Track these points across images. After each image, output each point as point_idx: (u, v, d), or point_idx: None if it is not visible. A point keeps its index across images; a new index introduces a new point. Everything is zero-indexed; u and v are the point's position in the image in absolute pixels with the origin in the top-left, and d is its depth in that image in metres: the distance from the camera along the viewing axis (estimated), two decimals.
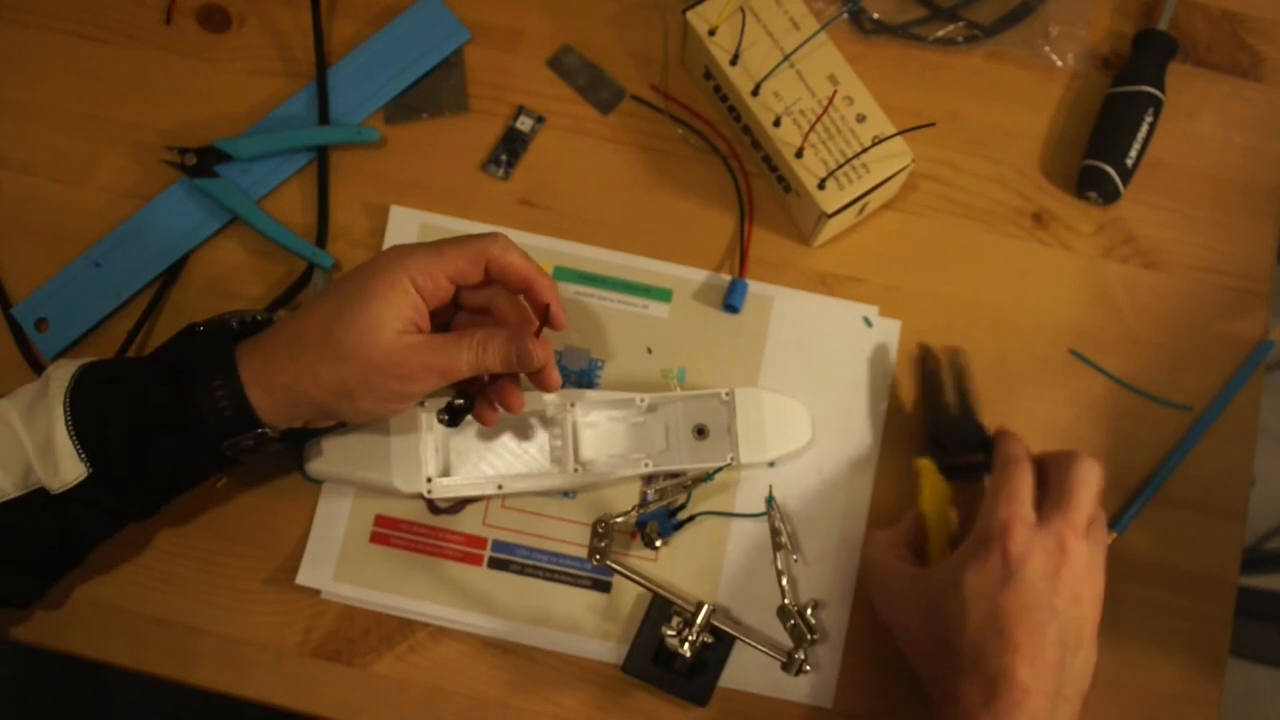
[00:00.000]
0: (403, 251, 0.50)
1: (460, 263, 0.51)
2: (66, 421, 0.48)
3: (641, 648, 0.57)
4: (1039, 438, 0.61)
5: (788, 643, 0.55)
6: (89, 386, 0.50)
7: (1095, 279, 0.64)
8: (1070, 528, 0.51)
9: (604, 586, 0.59)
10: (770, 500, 0.58)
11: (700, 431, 0.59)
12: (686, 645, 0.54)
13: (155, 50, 0.66)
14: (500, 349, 0.51)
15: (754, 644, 0.56)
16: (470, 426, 0.59)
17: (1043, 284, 0.64)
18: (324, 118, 0.64)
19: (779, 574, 0.55)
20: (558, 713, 0.58)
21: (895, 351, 0.62)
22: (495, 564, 0.59)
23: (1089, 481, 0.52)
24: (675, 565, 0.59)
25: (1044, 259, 0.64)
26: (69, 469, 0.48)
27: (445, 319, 0.55)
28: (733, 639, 0.57)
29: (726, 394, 0.59)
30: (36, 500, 0.49)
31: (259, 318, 0.54)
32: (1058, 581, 0.49)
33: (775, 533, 0.56)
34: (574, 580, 0.59)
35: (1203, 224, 0.65)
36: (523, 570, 0.59)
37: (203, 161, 0.62)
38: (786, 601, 0.55)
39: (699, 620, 0.55)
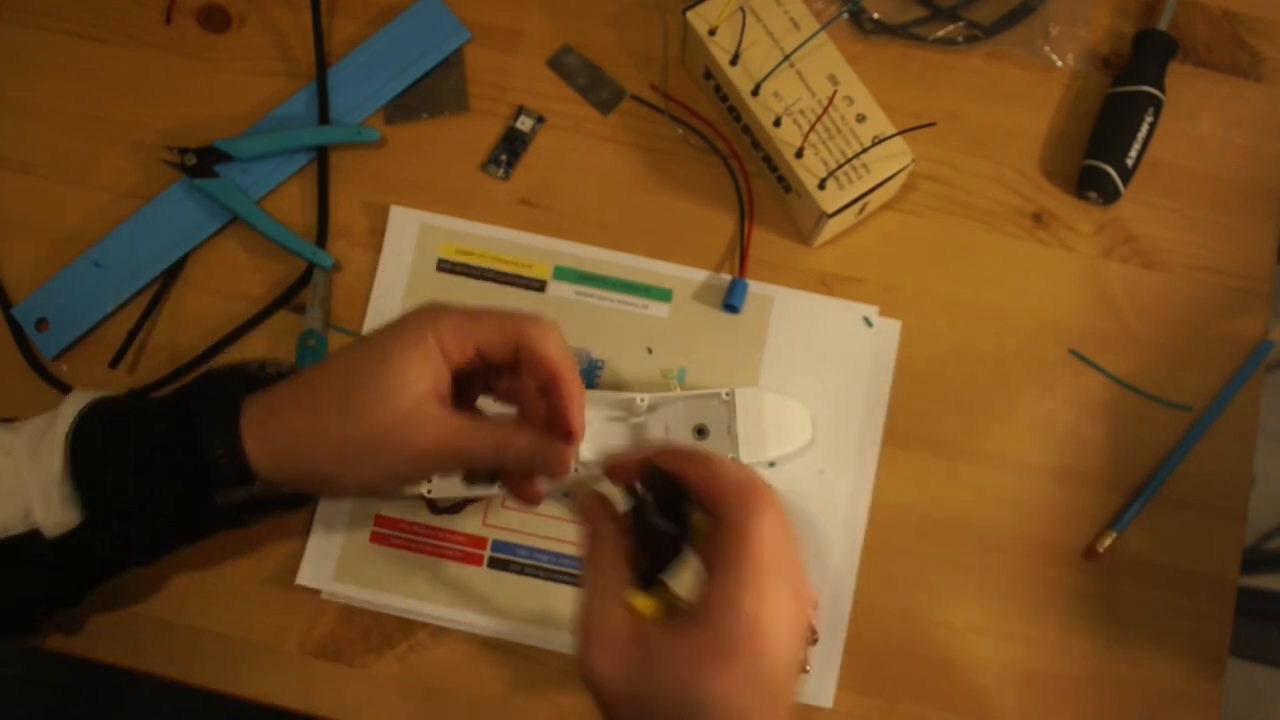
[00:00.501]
0: (434, 310, 0.46)
1: (492, 335, 0.46)
2: (65, 465, 0.46)
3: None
4: (1039, 437, 0.61)
5: None
6: (93, 428, 0.47)
7: (1095, 279, 0.64)
8: (800, 576, 0.40)
9: None
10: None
11: (700, 431, 0.59)
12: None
13: (155, 50, 0.66)
14: (524, 452, 0.46)
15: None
16: None
17: (1043, 284, 0.64)
18: (324, 118, 0.64)
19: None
20: (557, 713, 0.58)
21: (895, 351, 0.62)
22: (495, 564, 0.59)
23: (783, 524, 0.41)
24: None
25: (1044, 259, 0.64)
26: (64, 515, 0.46)
27: (469, 398, 0.50)
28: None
29: (726, 394, 0.59)
30: (38, 539, 0.47)
31: (281, 370, 0.51)
32: (796, 645, 0.40)
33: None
34: (574, 580, 0.59)
35: (1203, 224, 0.65)
36: (523, 570, 0.59)
37: (203, 161, 0.62)
38: None
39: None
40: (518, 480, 0.49)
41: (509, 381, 0.49)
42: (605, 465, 0.45)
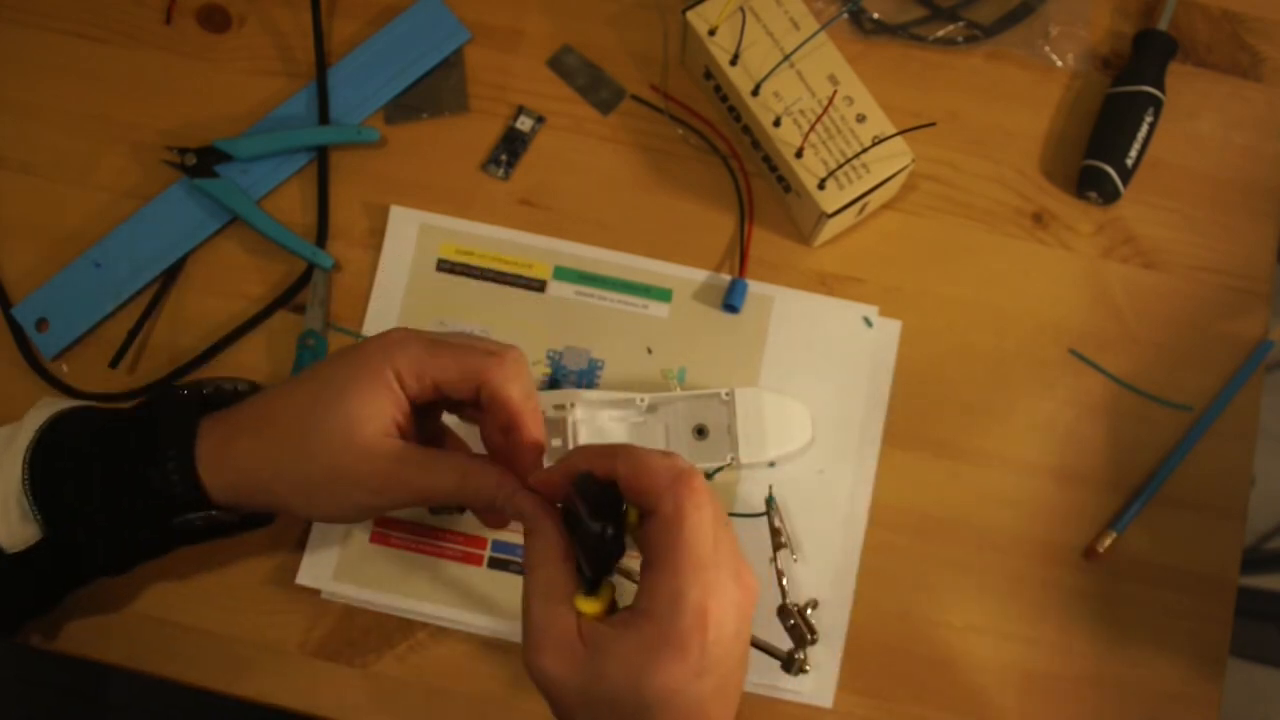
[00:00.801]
0: (393, 341, 0.45)
1: (452, 373, 0.44)
2: (24, 481, 0.46)
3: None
4: (1039, 437, 0.61)
5: (787, 643, 0.55)
6: (55, 442, 0.47)
7: (1095, 279, 0.64)
8: (741, 562, 0.41)
9: None
10: (770, 500, 0.58)
11: (700, 431, 0.59)
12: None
13: (155, 50, 0.66)
14: (484, 489, 0.44)
15: (752, 644, 0.55)
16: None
17: (1043, 284, 0.64)
18: (324, 118, 0.64)
19: (779, 574, 0.55)
20: None
21: (895, 351, 0.62)
22: (495, 564, 0.59)
23: (716, 511, 0.41)
24: None
25: (1044, 259, 0.64)
26: (23, 531, 0.46)
27: (434, 416, 0.50)
28: None
29: (726, 394, 0.59)
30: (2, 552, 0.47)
31: (238, 388, 0.50)
32: (743, 631, 0.40)
33: (775, 532, 0.56)
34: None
35: (1203, 224, 0.65)
36: (523, 570, 0.59)
37: (203, 161, 0.62)
38: (787, 601, 0.55)
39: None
40: (483, 510, 0.48)
41: (472, 410, 0.48)
42: (532, 482, 0.44)
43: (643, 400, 0.59)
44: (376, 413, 0.43)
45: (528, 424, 0.45)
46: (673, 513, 0.39)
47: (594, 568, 0.41)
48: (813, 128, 0.59)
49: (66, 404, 0.50)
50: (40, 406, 0.49)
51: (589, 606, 0.40)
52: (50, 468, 0.47)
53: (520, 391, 0.44)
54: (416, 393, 0.45)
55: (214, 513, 0.47)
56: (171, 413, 0.47)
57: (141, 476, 0.45)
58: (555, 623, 0.40)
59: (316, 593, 0.58)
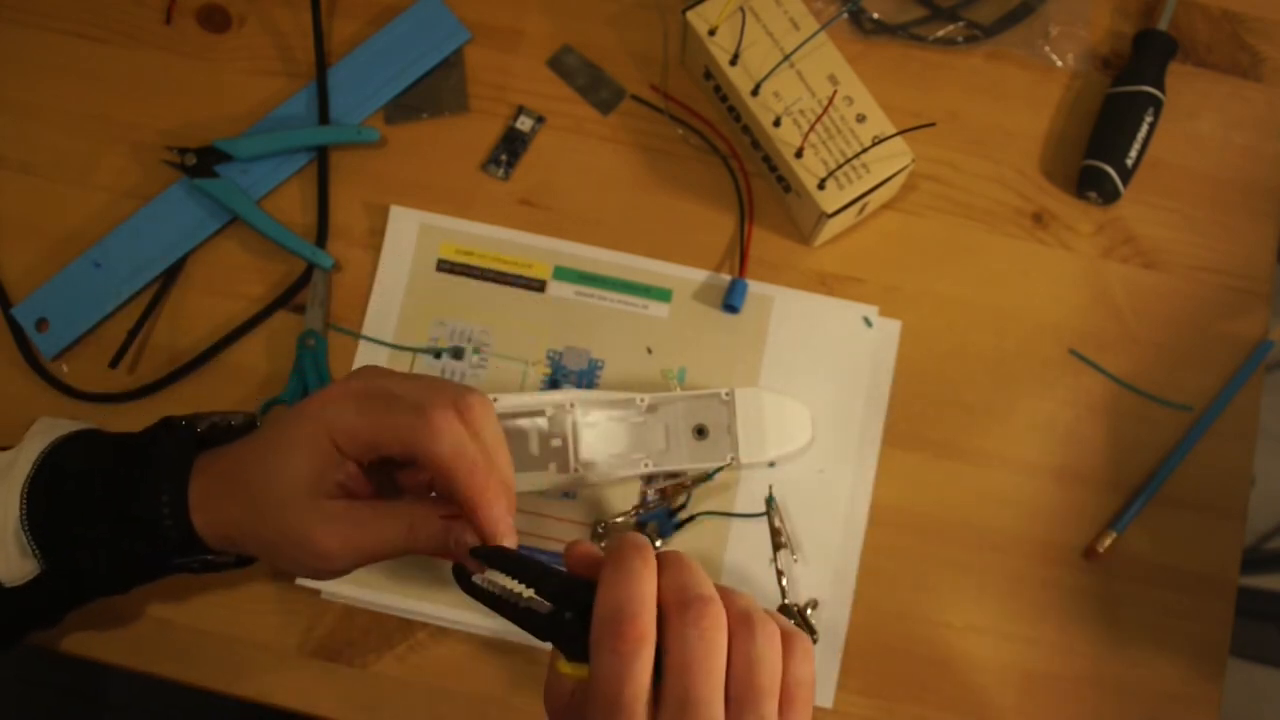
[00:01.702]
0: (327, 400, 0.43)
1: (385, 436, 0.43)
2: (21, 515, 0.46)
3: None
4: (1039, 437, 0.61)
5: None
6: (53, 474, 0.47)
7: (1095, 279, 0.64)
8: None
9: None
10: (770, 500, 0.58)
11: (700, 431, 0.59)
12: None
13: (155, 50, 0.66)
14: (433, 537, 0.43)
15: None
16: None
17: (1043, 284, 0.64)
18: (324, 118, 0.64)
19: (779, 574, 0.55)
20: None
21: (895, 351, 0.62)
22: None
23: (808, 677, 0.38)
24: None
25: (1044, 259, 0.64)
26: (20, 566, 0.46)
27: (413, 476, 0.48)
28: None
29: (726, 394, 0.59)
30: None
31: (233, 422, 0.50)
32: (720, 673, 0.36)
33: (775, 532, 0.56)
34: None
35: (1203, 224, 0.65)
36: None
37: (203, 161, 0.62)
38: (786, 601, 0.55)
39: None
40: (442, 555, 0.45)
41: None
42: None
43: (643, 400, 0.59)
44: (314, 477, 0.43)
45: (466, 479, 0.42)
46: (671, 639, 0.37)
47: (540, 637, 0.40)
48: (813, 128, 0.59)
49: (63, 429, 0.49)
50: (36, 434, 0.49)
51: (568, 670, 0.39)
52: (49, 504, 0.46)
53: (450, 448, 0.42)
54: (357, 454, 0.44)
55: (208, 557, 0.47)
56: (168, 453, 0.46)
57: (138, 520, 0.45)
58: (552, 685, 0.40)
59: (316, 593, 0.58)
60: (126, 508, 0.46)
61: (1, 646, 0.51)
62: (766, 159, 0.62)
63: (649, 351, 0.62)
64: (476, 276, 0.63)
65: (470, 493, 0.42)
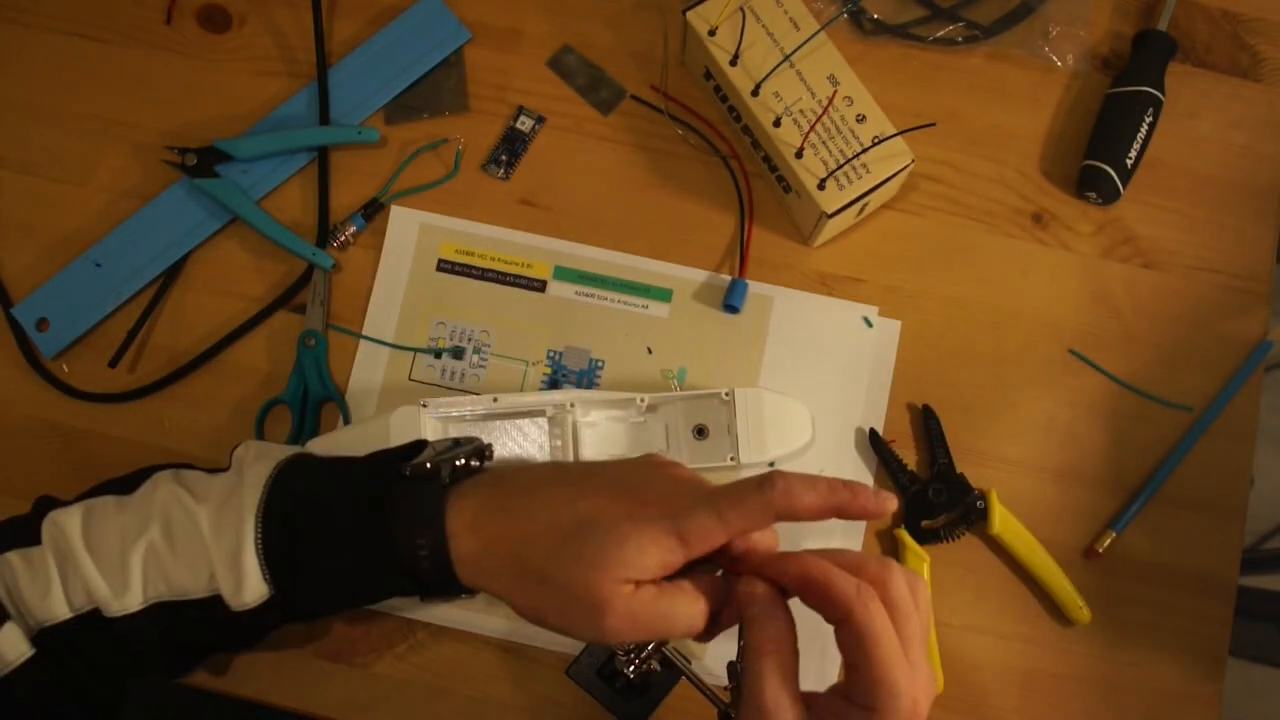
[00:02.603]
0: (681, 506, 0.42)
1: (742, 525, 0.42)
2: (256, 544, 0.46)
3: (590, 655, 0.55)
4: (1039, 437, 0.61)
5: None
6: (283, 505, 0.47)
7: (1095, 279, 0.64)
8: (924, 655, 0.41)
9: None
10: None
11: (700, 431, 0.59)
12: (631, 668, 0.51)
13: (155, 50, 0.66)
14: (734, 618, 0.44)
15: (698, 684, 0.50)
16: (471, 424, 0.59)
17: (1043, 284, 0.64)
18: (324, 118, 0.64)
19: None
20: (558, 713, 0.58)
21: (895, 351, 0.62)
22: None
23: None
24: None
25: (1044, 259, 0.64)
26: (251, 591, 0.46)
27: None
28: (679, 674, 0.52)
29: (726, 394, 0.59)
30: (217, 604, 0.47)
31: (471, 463, 0.49)
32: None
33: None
34: None
35: (1203, 224, 0.65)
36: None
37: (203, 161, 0.62)
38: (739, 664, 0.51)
39: (648, 648, 0.50)
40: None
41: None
42: (763, 569, 0.43)
43: (643, 400, 0.59)
44: (638, 570, 0.42)
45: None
46: (860, 625, 0.39)
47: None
48: (813, 128, 0.59)
49: (281, 453, 0.49)
50: (253, 459, 0.49)
51: None
52: (282, 530, 0.47)
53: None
54: (698, 550, 0.43)
55: (462, 596, 0.47)
56: (417, 496, 0.46)
57: (391, 562, 0.45)
58: (791, 707, 0.40)
59: None
60: (376, 549, 0.46)
61: (194, 664, 0.53)
62: (766, 159, 0.62)
63: (649, 351, 0.62)
64: (476, 276, 0.63)
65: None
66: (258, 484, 0.47)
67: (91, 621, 0.47)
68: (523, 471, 0.47)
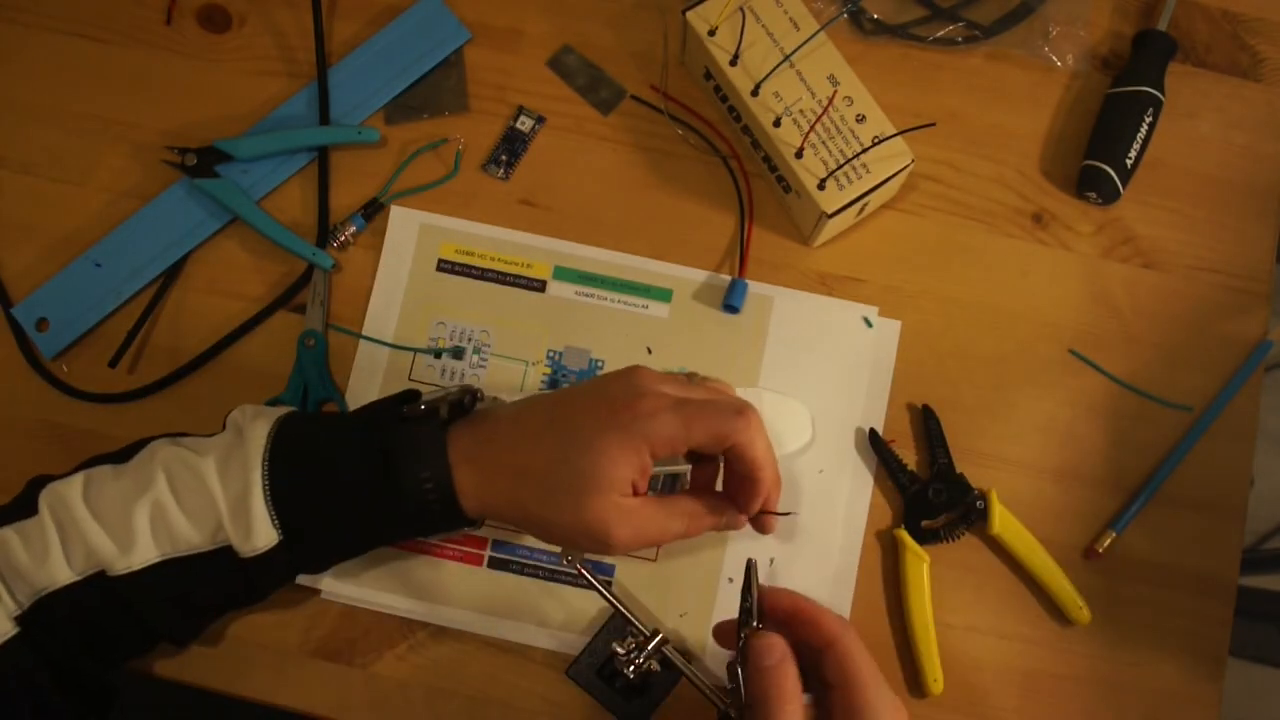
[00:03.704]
0: (646, 413, 0.48)
1: (703, 438, 0.48)
2: (264, 488, 0.47)
3: (591, 655, 0.56)
4: (1039, 437, 0.61)
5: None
6: (288, 452, 0.49)
7: (1095, 279, 0.64)
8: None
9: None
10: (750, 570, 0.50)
11: None
12: (632, 668, 0.52)
13: (155, 50, 0.66)
14: (709, 524, 0.52)
15: (698, 684, 0.51)
16: None
17: (1043, 284, 0.64)
18: (324, 118, 0.64)
19: (739, 637, 0.48)
20: (558, 713, 0.58)
21: (895, 352, 0.62)
22: (495, 564, 0.59)
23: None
24: (674, 565, 0.59)
25: (1044, 259, 0.64)
26: (262, 536, 0.47)
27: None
28: (679, 674, 0.53)
29: None
30: (224, 556, 0.48)
31: (464, 401, 0.52)
32: None
33: (745, 598, 0.49)
34: (574, 580, 0.59)
35: (1203, 224, 0.65)
36: (523, 570, 0.59)
37: (203, 161, 0.62)
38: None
39: (648, 648, 0.52)
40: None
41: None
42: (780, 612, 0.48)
43: None
44: (623, 483, 0.47)
45: (766, 475, 0.50)
46: (845, 649, 0.46)
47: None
48: (812, 128, 0.59)
49: (278, 412, 0.51)
50: (250, 415, 0.50)
51: None
52: (288, 476, 0.48)
53: (764, 448, 0.49)
54: (667, 456, 0.48)
55: (466, 529, 0.50)
56: (422, 435, 0.49)
57: (398, 497, 0.48)
58: None
59: (316, 592, 0.58)
60: (382, 487, 0.48)
61: (200, 626, 0.54)
62: (766, 159, 0.62)
63: (649, 351, 0.62)
64: (476, 276, 0.63)
65: (772, 485, 0.51)
66: (261, 435, 0.49)
67: (95, 585, 0.47)
68: (513, 404, 0.51)
